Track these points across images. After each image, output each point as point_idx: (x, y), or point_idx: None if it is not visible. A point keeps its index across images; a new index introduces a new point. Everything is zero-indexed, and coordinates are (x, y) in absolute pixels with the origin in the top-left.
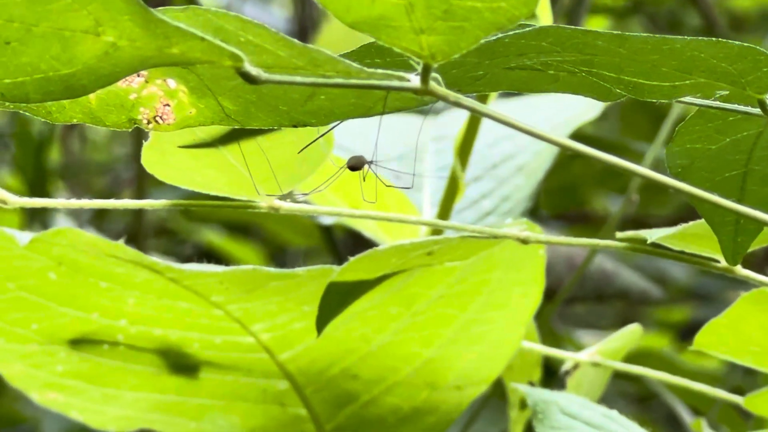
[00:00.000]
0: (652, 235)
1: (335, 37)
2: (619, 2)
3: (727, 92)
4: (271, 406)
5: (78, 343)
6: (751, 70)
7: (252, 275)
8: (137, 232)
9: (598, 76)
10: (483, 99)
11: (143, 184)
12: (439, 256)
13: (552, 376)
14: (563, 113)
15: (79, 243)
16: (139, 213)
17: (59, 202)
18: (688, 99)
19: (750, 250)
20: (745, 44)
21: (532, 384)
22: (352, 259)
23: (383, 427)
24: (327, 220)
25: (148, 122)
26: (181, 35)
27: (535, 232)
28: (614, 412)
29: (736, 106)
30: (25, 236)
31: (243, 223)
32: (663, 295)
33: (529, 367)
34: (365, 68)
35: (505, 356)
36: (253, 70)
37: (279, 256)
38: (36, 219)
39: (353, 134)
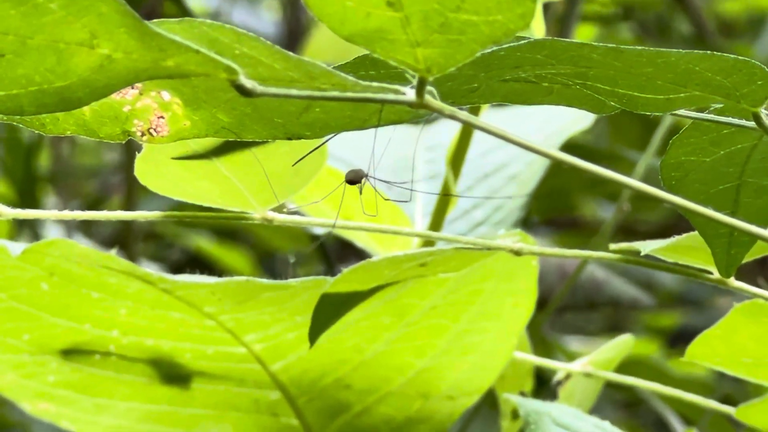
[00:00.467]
0: (645, 247)
1: (325, 42)
2: (609, 9)
3: (722, 105)
4: (263, 416)
5: (70, 353)
6: (745, 83)
7: (245, 286)
8: (126, 237)
9: (592, 89)
10: (475, 110)
11: (132, 190)
12: (433, 267)
13: (544, 385)
14: (555, 122)
15: (71, 254)
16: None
17: (51, 213)
18: (682, 112)
19: (744, 260)
20: (740, 57)
21: (523, 394)
22: (345, 270)
23: None
24: (319, 231)
25: (142, 134)
26: (176, 48)
27: (528, 243)
28: (606, 423)
29: (730, 119)
30: (17, 247)
31: (232, 229)
32: (653, 303)
33: (521, 377)
34: (360, 81)
35: (498, 366)
36: (248, 83)
37: (268, 261)
38: (25, 226)
39: (346, 144)
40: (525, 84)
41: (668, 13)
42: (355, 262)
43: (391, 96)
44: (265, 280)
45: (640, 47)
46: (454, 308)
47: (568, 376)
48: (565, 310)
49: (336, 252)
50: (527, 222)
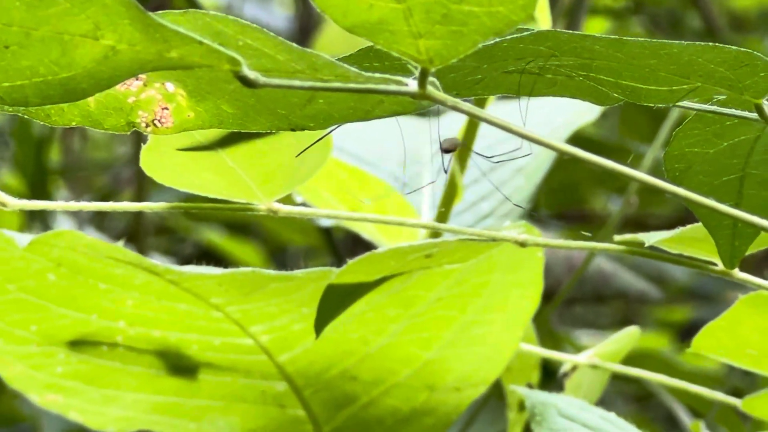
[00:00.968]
0: (650, 238)
1: (336, 37)
2: (620, 3)
3: (725, 96)
4: (270, 408)
5: (77, 344)
6: (748, 74)
7: (251, 277)
8: (137, 231)
9: (595, 81)
10: (481, 102)
11: (143, 183)
12: (438, 258)
13: (551, 377)
14: (562, 115)
15: (78, 245)
16: (139, 212)
17: (57, 204)
18: (685, 103)
19: (748, 252)
20: (743, 49)
21: (530, 386)
22: (350, 261)
23: (382, 429)
24: (325, 223)
25: (147, 125)
26: (180, 39)
27: (534, 234)
28: (612, 415)
29: (733, 110)
30: (24, 238)
31: (243, 223)
32: (661, 296)
33: (527, 368)
34: (363, 72)
35: (504, 358)
36: (251, 74)
37: (279, 255)
38: (36, 219)
39: (353, 137)
40: (528, 76)
41: (680, 7)
42: None
43: (393, 87)
44: (271, 271)
45: (642, 38)
46: (460, 300)
47: (574, 368)
48: (574, 303)
49: (347, 246)
50: (536, 216)
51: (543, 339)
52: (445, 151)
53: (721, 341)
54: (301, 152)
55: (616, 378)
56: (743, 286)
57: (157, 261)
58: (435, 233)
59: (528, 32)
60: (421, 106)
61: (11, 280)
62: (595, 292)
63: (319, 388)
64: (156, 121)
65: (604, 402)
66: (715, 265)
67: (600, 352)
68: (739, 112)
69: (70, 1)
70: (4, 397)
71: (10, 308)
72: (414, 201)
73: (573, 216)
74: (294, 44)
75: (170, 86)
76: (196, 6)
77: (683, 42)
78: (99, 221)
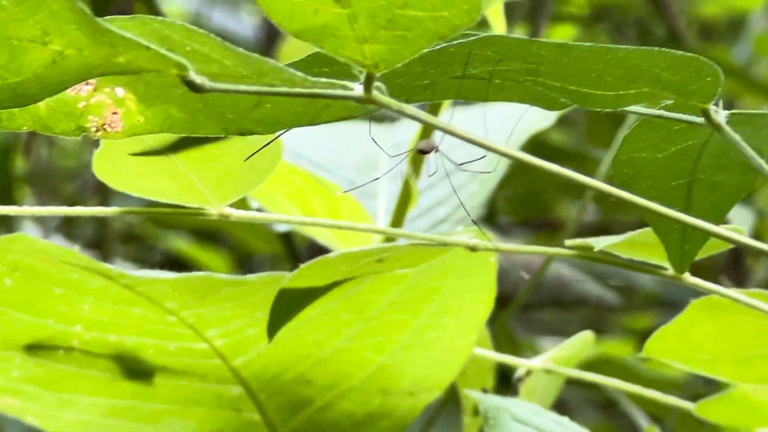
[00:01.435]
0: (600, 242)
1: (301, 44)
2: (584, 10)
3: (672, 101)
4: (225, 411)
5: (33, 348)
6: (694, 79)
7: (204, 282)
8: (104, 238)
9: (543, 86)
10: (434, 107)
11: (107, 190)
12: (390, 263)
13: (508, 382)
14: (521, 120)
15: (33, 250)
16: (104, 219)
17: (16, 209)
18: (633, 108)
19: (705, 256)
20: (689, 54)
21: (485, 390)
22: (302, 266)
23: None
24: (280, 228)
25: (97, 130)
26: (127, 44)
27: (485, 239)
28: (565, 419)
29: (680, 115)
30: None
31: (211, 230)
32: (620, 302)
33: (482, 373)
34: (309, 77)
35: (458, 362)
36: (198, 79)
37: (246, 262)
38: (2, 225)
39: (309, 141)
40: (477, 81)
41: (646, 15)
42: None
43: (339, 91)
44: (224, 276)
45: (588, 43)
46: (413, 304)
47: (528, 373)
48: (531, 308)
49: (313, 253)
50: (499, 223)
51: (502, 344)
52: (421, 152)
53: (673, 346)
54: (250, 156)
55: (582, 385)
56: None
57: (122, 268)
58: (389, 238)
59: (474, 37)
60: (367, 111)
61: None
62: (553, 297)
63: (274, 391)
64: (106, 126)
65: (569, 409)
66: (666, 269)
67: (554, 357)
68: (686, 117)
69: (18, 7)
70: None
71: None
72: (369, 206)
73: (537, 223)
74: (240, 49)
75: (120, 91)
76: (157, 11)
77: (629, 47)
78: (67, 229)
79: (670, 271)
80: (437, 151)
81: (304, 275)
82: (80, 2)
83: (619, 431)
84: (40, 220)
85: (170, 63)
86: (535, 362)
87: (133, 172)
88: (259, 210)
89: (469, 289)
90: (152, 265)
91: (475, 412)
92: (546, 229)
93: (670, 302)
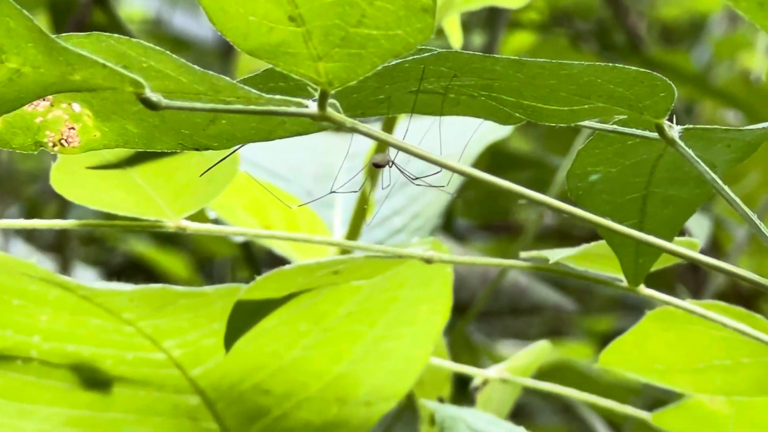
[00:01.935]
0: (556, 255)
1: None
2: (544, 17)
3: (626, 116)
4: (183, 421)
5: None
6: (647, 95)
7: (161, 293)
8: (65, 242)
9: (497, 101)
10: (391, 120)
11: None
12: (346, 275)
13: (466, 390)
14: (479, 129)
15: None
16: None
17: None
18: (586, 123)
19: (663, 267)
20: (642, 70)
21: (441, 400)
22: (258, 278)
23: None
24: (239, 239)
25: (54, 145)
26: (83, 62)
27: (441, 250)
28: (521, 429)
29: (634, 130)
30: None
31: (171, 234)
32: (577, 308)
33: (439, 382)
34: (264, 94)
35: (414, 372)
36: (154, 96)
37: (207, 266)
38: None
39: (267, 152)
40: (432, 95)
41: (606, 20)
42: None
43: (293, 109)
44: (180, 288)
45: (542, 59)
46: (369, 315)
47: (485, 382)
48: (489, 316)
49: (271, 259)
50: (457, 227)
51: (460, 350)
52: (376, 165)
53: (629, 356)
54: (206, 171)
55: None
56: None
57: (88, 272)
58: (345, 249)
59: (428, 53)
60: (323, 127)
61: None
62: (511, 305)
63: (231, 401)
64: (63, 141)
65: (531, 414)
66: (621, 281)
67: (511, 366)
68: (639, 132)
69: None
70: None
71: None
72: (326, 216)
73: (496, 227)
74: (196, 67)
75: (76, 107)
76: (115, 19)
77: (583, 63)
78: (28, 232)
79: (625, 284)
80: (393, 165)
81: (261, 287)
82: (36, 20)
83: None
84: None
85: (126, 80)
86: (492, 372)
87: (90, 185)
88: (216, 220)
89: (426, 300)
90: (112, 268)
91: (432, 421)
92: (505, 232)
93: (629, 305)
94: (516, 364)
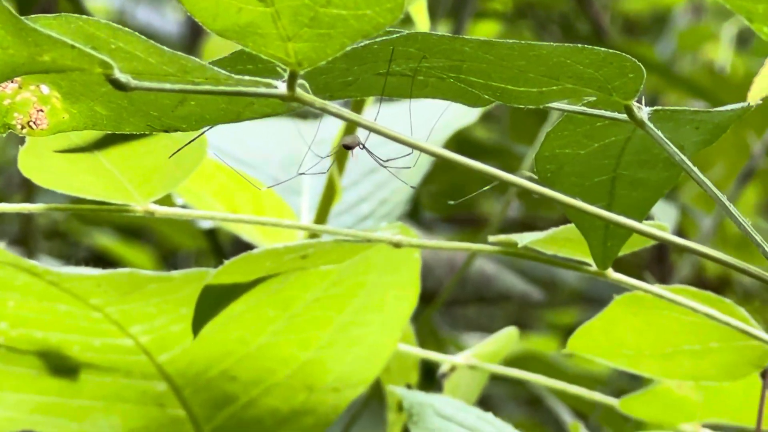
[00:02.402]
0: (523, 239)
1: (227, 41)
2: (509, 7)
3: (595, 98)
4: (150, 408)
5: None
6: (616, 76)
7: (129, 278)
8: (28, 235)
9: (466, 82)
10: (359, 104)
11: (33, 186)
12: (314, 259)
13: (433, 378)
14: (444, 116)
15: None
16: (29, 216)
17: None
18: (555, 104)
19: (629, 252)
20: (611, 51)
21: (409, 386)
22: (226, 262)
23: (262, 429)
24: (205, 224)
25: (22, 127)
26: (52, 43)
27: (409, 235)
28: (490, 415)
29: (603, 111)
30: None
31: (135, 226)
32: (544, 297)
33: (406, 369)
34: (234, 75)
35: (382, 359)
36: (123, 77)
37: (170, 258)
38: None
39: (234, 138)
40: (401, 77)
41: (570, 12)
42: None
43: (262, 90)
44: (149, 272)
45: (511, 41)
46: (337, 301)
47: (453, 369)
48: (455, 304)
49: (236, 249)
50: (422, 219)
51: (426, 340)
52: (346, 147)
53: (597, 341)
54: (174, 153)
55: (507, 381)
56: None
57: (47, 264)
58: (313, 234)
59: (397, 34)
60: (292, 108)
61: None
62: (477, 293)
63: (198, 388)
64: (31, 123)
65: (495, 405)
66: (590, 265)
67: (478, 353)
68: (608, 113)
69: None
70: None
71: None
72: (293, 203)
73: (462, 219)
74: (165, 47)
75: (45, 88)
76: (82, 9)
77: (552, 44)
78: None
79: (594, 268)
80: (363, 147)
81: (229, 271)
82: (4, 1)
83: (543, 427)
84: None
85: (95, 61)
86: (460, 358)
87: (58, 169)
88: (183, 206)
89: (393, 286)
90: (77, 262)
91: (400, 408)
92: (470, 225)
93: (594, 298)
94: (484, 350)
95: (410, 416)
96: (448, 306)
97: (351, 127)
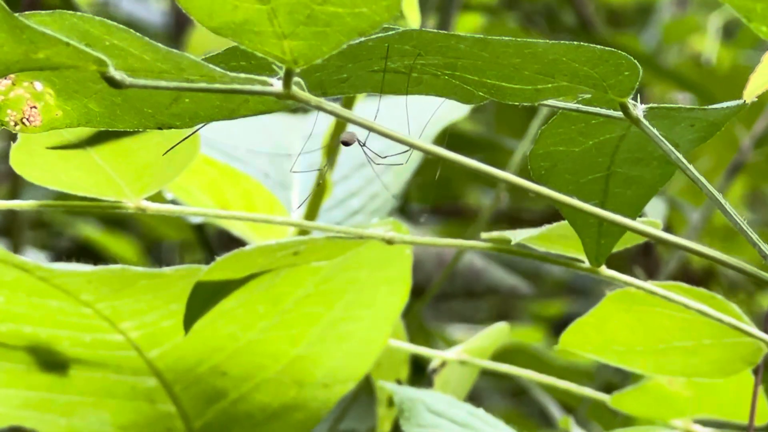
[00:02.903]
0: (517, 236)
1: (211, 33)
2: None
3: (590, 95)
4: (140, 403)
5: None
6: (612, 73)
7: (120, 274)
8: (13, 225)
9: (461, 79)
10: (349, 100)
11: (18, 179)
12: (305, 255)
13: (421, 373)
14: (434, 111)
15: None
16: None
17: None
18: (550, 102)
19: (618, 249)
20: (607, 48)
21: (399, 382)
22: (218, 259)
23: (252, 424)
24: (195, 220)
25: (15, 124)
26: (46, 40)
27: (402, 232)
28: (480, 411)
29: (598, 109)
30: None
31: (119, 218)
32: (533, 291)
33: (396, 364)
34: (229, 72)
35: (373, 354)
36: (118, 75)
37: (155, 250)
38: None
39: (224, 133)
40: (395, 74)
41: (555, 3)
42: None
43: (258, 87)
44: (140, 269)
45: (507, 38)
46: (328, 296)
47: (443, 364)
48: (445, 299)
49: (221, 242)
50: (408, 211)
51: (415, 335)
52: (344, 143)
53: (588, 338)
54: (168, 150)
55: (492, 374)
56: (613, 284)
57: (34, 256)
58: (304, 230)
59: (393, 32)
60: (287, 105)
61: None
62: (466, 287)
63: (189, 383)
64: (24, 120)
65: (480, 398)
66: (583, 262)
67: (469, 348)
68: (603, 111)
69: None
70: None
71: None
72: (284, 198)
73: (447, 211)
74: (160, 44)
75: (38, 85)
76: (69, 5)
77: (548, 41)
78: None
79: (587, 265)
80: (362, 144)
81: (221, 268)
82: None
83: (529, 419)
84: None
85: (90, 59)
86: (450, 353)
87: (50, 165)
88: (173, 201)
89: (384, 281)
90: (61, 252)
91: (390, 403)
92: (456, 216)
93: (578, 289)
94: (474, 346)
95: (401, 412)
96: (435, 300)
97: (341, 123)
